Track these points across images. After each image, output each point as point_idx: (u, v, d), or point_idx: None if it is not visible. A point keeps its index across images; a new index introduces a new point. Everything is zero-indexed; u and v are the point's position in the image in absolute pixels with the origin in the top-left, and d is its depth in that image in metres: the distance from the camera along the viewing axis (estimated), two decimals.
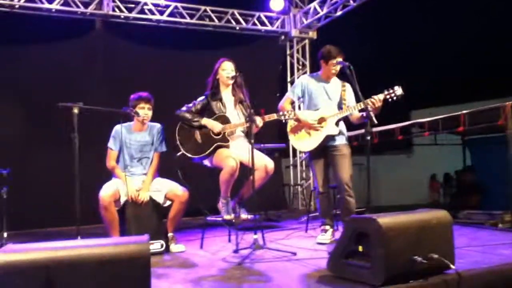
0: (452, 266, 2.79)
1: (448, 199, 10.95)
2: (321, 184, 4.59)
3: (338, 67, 4.46)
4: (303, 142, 4.58)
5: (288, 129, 4.65)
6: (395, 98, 4.16)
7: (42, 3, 6.99)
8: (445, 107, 10.34)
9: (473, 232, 4.78)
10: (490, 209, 5.52)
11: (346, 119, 4.57)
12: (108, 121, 4.48)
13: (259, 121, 4.12)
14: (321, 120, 4.49)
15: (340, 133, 4.49)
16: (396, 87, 4.16)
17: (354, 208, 4.40)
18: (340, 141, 4.51)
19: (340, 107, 4.50)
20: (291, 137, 4.64)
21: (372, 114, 4.03)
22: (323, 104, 4.52)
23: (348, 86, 4.60)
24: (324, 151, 4.55)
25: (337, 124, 4.46)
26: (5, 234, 4.65)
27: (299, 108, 4.76)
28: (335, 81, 4.62)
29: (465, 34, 10.95)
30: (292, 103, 4.70)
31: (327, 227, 4.55)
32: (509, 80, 10.88)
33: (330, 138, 4.47)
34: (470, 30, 10.67)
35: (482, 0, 10.08)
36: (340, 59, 4.39)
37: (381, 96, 4.19)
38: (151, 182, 4.30)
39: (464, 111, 5.47)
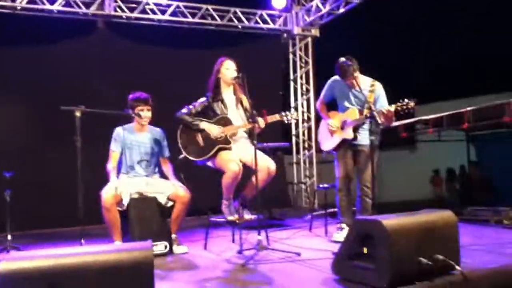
0: (457, 267, 2.77)
1: (452, 195, 10.91)
2: (341, 182, 4.58)
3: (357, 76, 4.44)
4: (324, 141, 4.71)
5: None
6: (406, 110, 4.10)
7: (44, 4, 6.98)
8: (447, 102, 10.30)
9: (478, 229, 4.76)
10: (495, 205, 5.47)
11: None
12: (112, 122, 4.51)
13: (261, 122, 4.10)
14: (344, 124, 4.50)
15: (365, 134, 4.46)
16: (407, 100, 4.07)
17: (370, 208, 4.39)
18: (365, 141, 4.46)
19: (362, 110, 4.42)
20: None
21: (377, 116, 4.02)
22: (348, 108, 4.54)
23: (377, 86, 4.51)
24: (349, 150, 4.56)
25: (355, 129, 4.45)
26: (9, 237, 4.66)
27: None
28: (364, 82, 4.51)
29: (468, 28, 10.90)
30: (327, 103, 4.79)
31: (344, 225, 4.55)
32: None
33: (351, 139, 4.47)
34: (474, 23, 10.63)
35: None
36: (356, 74, 4.38)
37: (392, 108, 4.15)
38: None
39: (469, 108, 5.43)
